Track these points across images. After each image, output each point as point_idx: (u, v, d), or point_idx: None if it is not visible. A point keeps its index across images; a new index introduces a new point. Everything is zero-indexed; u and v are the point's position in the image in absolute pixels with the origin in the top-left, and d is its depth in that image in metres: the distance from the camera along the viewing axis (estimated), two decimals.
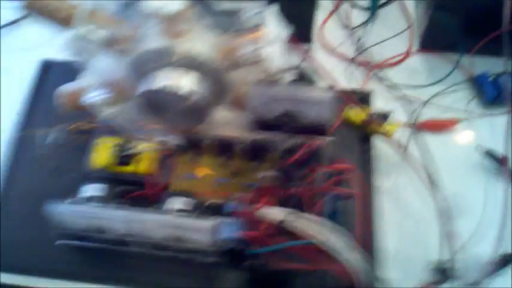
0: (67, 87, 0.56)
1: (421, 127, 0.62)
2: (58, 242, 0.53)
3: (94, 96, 0.52)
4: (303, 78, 0.56)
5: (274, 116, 0.47)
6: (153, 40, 0.45)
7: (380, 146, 0.61)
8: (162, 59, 0.45)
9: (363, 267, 0.47)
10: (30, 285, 0.55)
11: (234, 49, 0.45)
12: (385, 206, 0.58)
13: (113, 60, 0.49)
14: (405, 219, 0.58)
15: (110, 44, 0.46)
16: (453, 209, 0.56)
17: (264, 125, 0.49)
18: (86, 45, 0.46)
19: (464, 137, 0.64)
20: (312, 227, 0.46)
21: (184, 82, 0.46)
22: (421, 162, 0.59)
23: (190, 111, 0.48)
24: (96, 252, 0.53)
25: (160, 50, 0.45)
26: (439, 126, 0.63)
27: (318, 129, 0.48)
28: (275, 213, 0.47)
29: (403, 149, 0.60)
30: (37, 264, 0.54)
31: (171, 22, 0.44)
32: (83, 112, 0.56)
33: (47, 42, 0.68)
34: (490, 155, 0.60)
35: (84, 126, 0.57)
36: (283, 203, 0.50)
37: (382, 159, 0.61)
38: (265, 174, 0.52)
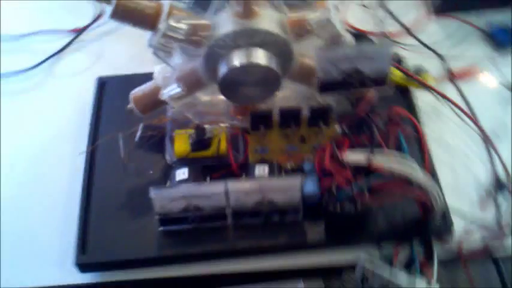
0: (139, 90, 0.62)
1: (451, 77, 0.70)
2: (161, 228, 0.58)
3: (170, 91, 0.58)
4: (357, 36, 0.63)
5: (342, 75, 0.54)
6: (227, 25, 0.52)
7: (418, 96, 0.69)
8: (236, 41, 0.52)
9: (439, 193, 0.54)
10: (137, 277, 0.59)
11: (302, 20, 0.52)
12: (433, 148, 0.65)
13: (187, 55, 0.56)
14: (452, 157, 0.66)
15: (190, 35, 0.52)
16: (492, 138, 0.64)
17: (332, 85, 0.55)
18: (168, 40, 0.52)
19: (489, 79, 0.72)
20: (393, 161, 0.53)
21: (261, 56, 0.52)
22: (457, 106, 0.67)
23: (266, 83, 0.54)
24: (195, 233, 0.59)
25: (235, 32, 0.52)
26: (467, 74, 0.71)
27: (379, 81, 0.55)
28: (357, 156, 0.53)
29: (440, 96, 0.67)
30: (140, 254, 0.58)
31: (242, 5, 0.50)
32: (149, 115, 0.63)
33: (92, 65, 0.75)
34: None
35: (158, 121, 0.62)
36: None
37: (421, 109, 0.68)
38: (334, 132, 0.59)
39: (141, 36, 0.77)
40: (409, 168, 0.52)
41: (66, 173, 0.65)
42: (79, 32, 0.80)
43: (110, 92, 0.71)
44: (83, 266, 0.58)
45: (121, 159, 0.63)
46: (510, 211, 0.59)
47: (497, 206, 0.60)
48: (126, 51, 0.78)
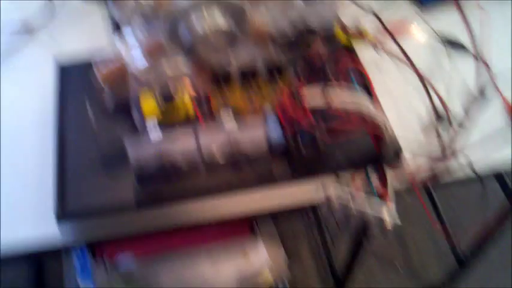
0: (105, 67, 0.65)
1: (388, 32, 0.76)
2: (136, 178, 0.62)
3: (136, 64, 0.61)
4: None
5: (295, 31, 0.59)
6: None
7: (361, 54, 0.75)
8: (196, 8, 0.56)
9: (388, 123, 0.60)
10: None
11: None
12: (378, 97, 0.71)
13: (150, 27, 0.59)
14: (396, 102, 0.72)
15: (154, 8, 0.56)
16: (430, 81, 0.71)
17: (285, 41, 0.60)
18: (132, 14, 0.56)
19: (420, 33, 0.80)
20: (347, 97, 0.59)
21: (220, 20, 0.57)
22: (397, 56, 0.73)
23: (226, 45, 0.59)
24: (168, 180, 0.63)
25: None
26: (401, 29, 0.78)
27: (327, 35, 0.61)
28: (318, 100, 0.59)
29: (380, 50, 0.74)
30: (117, 204, 0.62)
31: None
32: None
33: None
34: (447, 41, 0.76)
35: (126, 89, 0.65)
36: None
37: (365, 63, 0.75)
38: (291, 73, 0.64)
39: (88, 12, 0.80)
40: (362, 102, 0.58)
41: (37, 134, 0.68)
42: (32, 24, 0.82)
43: (73, 71, 0.73)
44: (63, 216, 0.60)
45: (90, 125, 0.66)
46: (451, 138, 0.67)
47: (439, 136, 0.67)
48: (77, 28, 0.80)
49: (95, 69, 0.64)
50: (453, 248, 1.30)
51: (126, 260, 0.96)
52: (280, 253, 1.11)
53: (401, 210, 0.63)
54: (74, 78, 0.73)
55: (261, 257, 1.01)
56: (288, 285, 1.19)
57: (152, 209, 0.62)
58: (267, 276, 1.09)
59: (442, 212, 1.30)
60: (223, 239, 1.00)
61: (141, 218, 0.62)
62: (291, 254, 1.38)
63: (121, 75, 0.63)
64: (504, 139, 0.67)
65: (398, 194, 0.64)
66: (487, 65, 0.69)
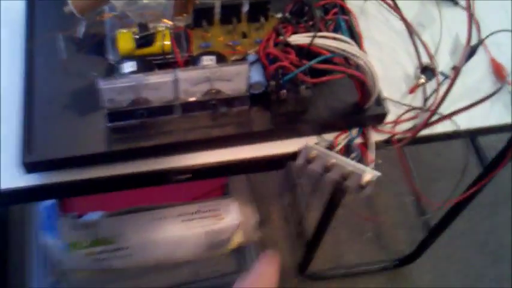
0: None
1: None
2: (110, 124, 0.58)
3: None
4: None
5: None
6: None
7: None
8: None
9: (375, 71, 0.58)
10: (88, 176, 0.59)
11: None
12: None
13: None
14: (381, 51, 0.70)
15: None
16: (417, 29, 0.69)
17: None
18: None
19: None
20: (333, 41, 0.56)
21: None
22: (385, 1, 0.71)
23: None
24: (143, 127, 0.59)
25: None
26: None
27: None
28: (302, 38, 0.56)
29: None
30: (88, 150, 0.58)
31: None
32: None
33: None
34: None
35: (100, 18, 0.61)
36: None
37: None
38: (278, 16, 0.61)
39: None
40: (348, 46, 0.56)
41: (4, 75, 0.63)
42: None
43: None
44: (30, 166, 0.56)
45: (61, 61, 0.62)
46: (436, 92, 0.65)
47: (425, 89, 0.66)
48: None
49: None
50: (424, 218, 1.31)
51: (94, 215, 0.93)
52: (253, 214, 1.10)
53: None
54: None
55: (233, 217, 0.99)
56: (257, 246, 1.18)
57: (124, 158, 0.59)
58: (238, 236, 1.08)
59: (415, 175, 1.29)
60: (196, 198, 0.98)
61: (113, 167, 0.59)
62: (262, 215, 1.38)
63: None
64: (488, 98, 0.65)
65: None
66: (476, 22, 0.68)
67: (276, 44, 0.59)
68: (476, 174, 0.90)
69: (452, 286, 1.36)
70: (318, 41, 0.56)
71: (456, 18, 0.73)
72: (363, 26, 0.70)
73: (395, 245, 1.40)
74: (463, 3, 0.75)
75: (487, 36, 0.69)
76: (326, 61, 0.57)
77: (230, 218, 1.00)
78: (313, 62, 0.56)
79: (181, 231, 0.98)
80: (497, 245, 1.42)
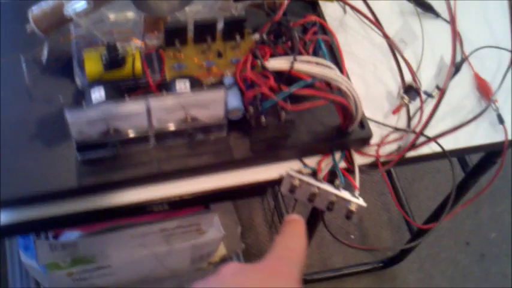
0: (39, 8, 0.57)
1: None
2: (80, 157, 0.55)
3: (75, 6, 0.53)
4: None
5: None
6: None
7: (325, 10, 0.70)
8: None
9: (357, 95, 0.56)
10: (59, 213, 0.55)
11: None
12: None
13: None
14: (363, 68, 0.68)
15: None
16: (399, 45, 0.67)
17: None
18: None
19: None
20: (314, 65, 0.53)
21: None
22: (365, 16, 0.68)
23: None
24: (116, 159, 0.56)
25: None
26: None
27: None
28: (281, 62, 0.53)
29: (348, 7, 0.69)
30: (58, 185, 0.55)
31: None
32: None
33: None
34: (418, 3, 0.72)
35: (64, 40, 0.58)
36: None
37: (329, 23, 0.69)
38: (255, 38, 0.58)
39: None
40: (330, 71, 0.53)
41: None
42: None
43: (4, 14, 0.64)
44: None
45: (25, 85, 0.58)
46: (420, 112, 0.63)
47: (408, 109, 0.63)
48: None
49: (29, 12, 0.55)
50: (407, 220, 1.30)
51: (72, 234, 0.90)
52: (235, 226, 1.08)
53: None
54: (7, 16, 0.64)
55: (215, 231, 0.97)
56: (242, 256, 1.16)
57: (97, 192, 0.56)
58: (222, 249, 1.05)
59: (399, 187, 1.29)
60: (177, 214, 0.95)
61: (86, 201, 0.55)
62: (244, 222, 1.36)
63: (57, 17, 0.56)
64: (473, 116, 0.63)
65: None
66: (458, 35, 0.65)
67: (253, 67, 0.56)
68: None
69: (439, 286, 1.35)
70: (298, 66, 0.53)
71: (438, 30, 0.71)
72: (342, 40, 0.67)
73: (380, 245, 1.39)
74: (444, 15, 0.73)
75: (471, 53, 0.67)
76: (307, 85, 0.54)
77: (212, 232, 0.97)
78: (293, 89, 0.53)
79: (164, 247, 0.95)
80: (481, 243, 1.42)
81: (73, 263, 0.91)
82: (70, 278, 0.93)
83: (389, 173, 1.34)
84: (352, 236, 1.39)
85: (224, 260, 1.08)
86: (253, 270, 0.41)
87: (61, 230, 0.85)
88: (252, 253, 1.32)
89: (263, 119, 0.56)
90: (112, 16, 0.58)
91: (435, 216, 1.00)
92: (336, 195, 0.56)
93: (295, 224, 0.47)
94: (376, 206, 1.45)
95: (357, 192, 0.57)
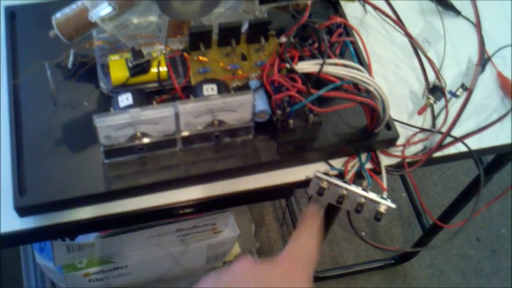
0: (63, 14, 0.56)
1: None
2: (107, 161, 0.54)
3: (100, 11, 0.53)
4: None
5: None
6: None
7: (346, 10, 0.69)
8: None
9: (385, 96, 0.55)
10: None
11: None
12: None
13: None
14: (385, 68, 0.67)
15: None
16: (422, 44, 0.66)
17: None
18: None
19: None
20: (341, 68, 0.53)
21: None
22: (387, 15, 0.68)
23: None
24: (143, 163, 0.55)
25: None
26: None
27: None
28: (311, 65, 0.53)
29: (370, 7, 0.68)
30: (85, 190, 0.54)
31: None
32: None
33: None
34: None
35: (90, 46, 0.57)
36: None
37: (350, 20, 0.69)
38: (280, 41, 0.57)
39: None
40: (358, 73, 0.53)
41: None
42: None
43: (23, 22, 0.63)
44: (23, 210, 0.53)
45: (50, 92, 0.57)
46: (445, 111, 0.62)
47: (433, 109, 0.63)
48: None
49: (53, 18, 0.55)
50: (418, 216, 1.30)
51: (89, 236, 0.90)
52: (249, 224, 1.08)
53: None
54: (27, 23, 0.63)
55: (231, 231, 0.97)
56: (256, 254, 1.16)
57: (125, 196, 0.55)
58: (236, 248, 1.05)
59: (410, 184, 1.29)
60: (193, 215, 0.95)
61: (114, 205, 0.55)
62: (255, 220, 1.35)
63: (81, 23, 0.55)
64: (498, 116, 0.63)
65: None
66: (481, 36, 0.65)
67: (279, 70, 0.56)
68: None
69: (451, 281, 1.35)
70: (327, 69, 0.53)
71: (459, 29, 0.71)
72: (363, 39, 0.67)
73: (392, 242, 1.39)
74: (464, 13, 0.72)
75: (495, 53, 0.67)
76: (335, 88, 0.54)
77: (227, 231, 0.97)
78: (322, 92, 0.52)
79: (179, 246, 0.95)
80: (492, 238, 1.42)
81: (90, 264, 0.91)
82: (87, 278, 0.93)
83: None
84: (363, 233, 1.39)
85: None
86: (265, 270, 0.41)
87: (89, 232, 0.85)
88: (263, 251, 1.31)
89: (291, 123, 0.55)
90: (136, 20, 0.57)
91: (451, 213, 1.00)
92: (365, 197, 0.56)
93: (314, 220, 0.46)
94: None
95: (385, 194, 0.57)
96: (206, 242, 0.96)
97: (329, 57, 0.55)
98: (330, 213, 0.94)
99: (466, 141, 0.62)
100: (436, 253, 1.39)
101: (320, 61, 0.52)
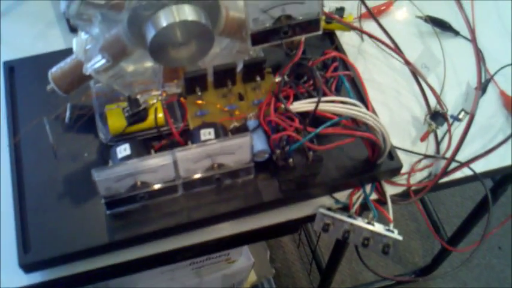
0: (58, 68, 0.57)
1: (367, 16, 0.70)
2: (109, 212, 0.54)
3: (94, 64, 0.53)
4: None
5: (274, 23, 0.52)
6: None
7: (342, 39, 0.68)
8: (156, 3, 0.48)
9: (384, 129, 0.55)
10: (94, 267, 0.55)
11: None
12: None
13: (109, 22, 0.51)
14: (385, 95, 0.67)
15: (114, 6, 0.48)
16: (421, 69, 0.66)
17: (264, 35, 0.53)
18: (88, 7, 0.48)
19: (403, 12, 0.73)
20: (338, 104, 0.52)
21: (189, 12, 0.49)
22: (383, 42, 0.67)
23: (198, 41, 0.51)
24: (145, 211, 0.55)
25: None
26: (380, 11, 0.71)
27: (312, 26, 0.54)
28: (306, 104, 0.52)
29: (365, 35, 0.68)
30: (89, 243, 0.54)
31: None
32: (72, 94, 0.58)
33: None
34: (432, 20, 0.70)
35: (86, 98, 0.58)
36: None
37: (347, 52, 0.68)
38: (277, 80, 0.57)
39: (41, 13, 0.71)
40: (355, 108, 0.52)
41: None
42: None
43: (22, 76, 0.64)
44: (28, 266, 0.53)
45: (50, 145, 0.58)
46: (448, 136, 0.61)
47: (436, 135, 0.62)
48: (28, 31, 0.71)
49: (49, 73, 0.55)
50: (436, 229, 1.28)
51: None
52: (264, 251, 1.07)
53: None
54: (25, 77, 0.64)
55: (245, 260, 0.96)
56: (273, 281, 1.15)
57: (129, 245, 0.55)
58: (252, 276, 1.05)
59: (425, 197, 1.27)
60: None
61: (118, 255, 0.55)
62: (272, 242, 1.35)
63: (77, 76, 0.56)
64: (505, 137, 0.62)
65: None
66: (480, 52, 0.64)
67: (276, 108, 0.56)
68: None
69: None
70: (323, 107, 0.52)
71: (458, 49, 0.70)
72: (361, 67, 0.67)
73: (411, 256, 1.37)
74: (463, 32, 0.71)
75: (496, 73, 0.66)
76: (333, 124, 0.53)
77: (242, 261, 0.96)
78: (319, 130, 0.52)
79: (194, 279, 0.94)
80: None
81: None
82: None
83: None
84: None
85: (255, 287, 1.08)
86: None
87: (96, 282, 0.85)
88: (282, 273, 1.30)
89: (291, 161, 0.54)
90: (130, 68, 0.57)
91: (464, 232, 0.98)
92: (371, 231, 0.55)
93: None
94: (404, 216, 1.42)
95: (391, 226, 0.56)
96: (221, 272, 0.96)
97: (325, 93, 0.55)
98: (339, 247, 0.93)
99: (474, 164, 0.61)
100: (458, 264, 1.36)
101: (315, 99, 0.52)
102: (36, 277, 0.54)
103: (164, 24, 0.49)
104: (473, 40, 0.58)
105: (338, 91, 0.58)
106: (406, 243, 1.40)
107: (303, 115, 0.54)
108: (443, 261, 1.28)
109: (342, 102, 0.53)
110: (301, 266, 1.33)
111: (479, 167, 0.62)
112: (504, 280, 1.35)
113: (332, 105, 0.53)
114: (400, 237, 0.54)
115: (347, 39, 0.69)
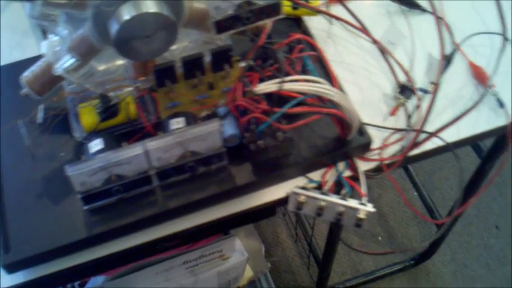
0: (30, 72, 0.58)
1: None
2: (86, 207, 0.55)
3: (63, 64, 0.54)
4: None
5: (236, 9, 0.53)
6: None
7: (310, 24, 0.70)
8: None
9: (352, 106, 0.55)
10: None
11: None
12: (335, 70, 0.66)
13: (74, 21, 0.52)
14: (355, 75, 0.68)
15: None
16: (387, 46, 0.67)
17: (228, 23, 0.54)
18: (51, 8, 0.49)
19: None
20: (303, 83, 0.53)
21: (151, 4, 0.50)
22: (350, 23, 0.68)
23: (163, 33, 0.53)
24: (122, 204, 0.56)
25: None
26: None
27: (273, 11, 0.55)
28: (269, 85, 0.53)
29: (332, 18, 0.69)
30: (69, 238, 0.55)
31: None
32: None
33: None
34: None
35: (58, 99, 0.59)
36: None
37: (316, 35, 0.69)
38: (242, 66, 0.58)
39: (17, 24, 0.72)
40: (319, 86, 0.53)
41: None
42: None
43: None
44: (10, 266, 0.54)
45: (26, 147, 0.59)
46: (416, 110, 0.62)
47: (406, 108, 0.63)
48: (4, 42, 0.73)
49: (22, 77, 0.57)
50: (431, 213, 1.28)
51: (97, 279, 0.91)
52: (259, 246, 1.07)
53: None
54: (2, 89, 0.65)
55: (239, 255, 0.97)
56: (270, 277, 1.16)
57: (109, 239, 0.56)
58: (248, 272, 1.05)
59: (418, 182, 1.28)
60: (198, 244, 0.95)
61: (99, 249, 0.56)
62: (270, 239, 1.35)
63: (48, 77, 0.57)
64: (472, 104, 0.63)
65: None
66: (447, 26, 0.65)
67: (245, 93, 0.57)
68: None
69: (475, 274, 1.33)
70: (287, 86, 0.53)
71: (427, 25, 0.71)
72: (331, 50, 0.67)
73: (409, 242, 1.37)
74: (430, 9, 0.72)
75: (461, 42, 0.66)
76: (299, 103, 0.54)
77: (235, 256, 0.97)
78: (285, 109, 0.53)
79: (189, 278, 0.95)
80: (511, 225, 1.39)
81: None
82: None
83: (406, 169, 1.33)
84: (380, 238, 1.38)
85: (252, 283, 1.08)
86: None
87: (80, 279, 0.86)
88: (281, 269, 1.31)
89: (261, 143, 0.55)
90: (102, 67, 0.58)
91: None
92: (343, 205, 0.56)
93: None
94: (400, 203, 1.43)
95: (365, 199, 0.57)
96: (215, 270, 0.96)
97: (289, 74, 0.55)
98: (333, 234, 0.94)
99: (445, 134, 0.62)
100: (456, 247, 1.37)
101: (279, 80, 0.53)
102: (20, 277, 0.55)
103: (127, 17, 0.50)
104: (434, 11, 0.58)
105: (305, 72, 0.59)
106: (404, 230, 1.40)
107: (271, 98, 0.55)
108: (441, 244, 1.28)
109: (306, 80, 0.53)
110: (301, 261, 1.34)
111: (451, 137, 0.62)
112: (504, 258, 1.35)
113: (296, 84, 0.53)
114: (372, 209, 0.55)
115: (316, 24, 0.70)
